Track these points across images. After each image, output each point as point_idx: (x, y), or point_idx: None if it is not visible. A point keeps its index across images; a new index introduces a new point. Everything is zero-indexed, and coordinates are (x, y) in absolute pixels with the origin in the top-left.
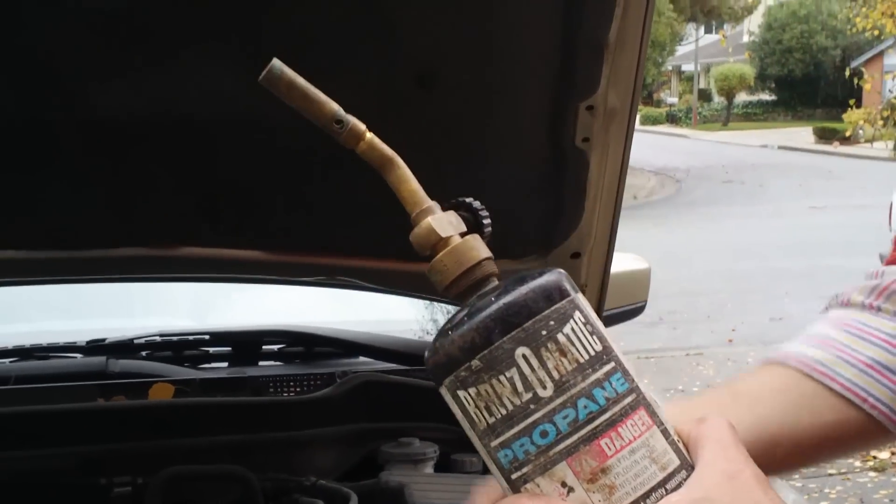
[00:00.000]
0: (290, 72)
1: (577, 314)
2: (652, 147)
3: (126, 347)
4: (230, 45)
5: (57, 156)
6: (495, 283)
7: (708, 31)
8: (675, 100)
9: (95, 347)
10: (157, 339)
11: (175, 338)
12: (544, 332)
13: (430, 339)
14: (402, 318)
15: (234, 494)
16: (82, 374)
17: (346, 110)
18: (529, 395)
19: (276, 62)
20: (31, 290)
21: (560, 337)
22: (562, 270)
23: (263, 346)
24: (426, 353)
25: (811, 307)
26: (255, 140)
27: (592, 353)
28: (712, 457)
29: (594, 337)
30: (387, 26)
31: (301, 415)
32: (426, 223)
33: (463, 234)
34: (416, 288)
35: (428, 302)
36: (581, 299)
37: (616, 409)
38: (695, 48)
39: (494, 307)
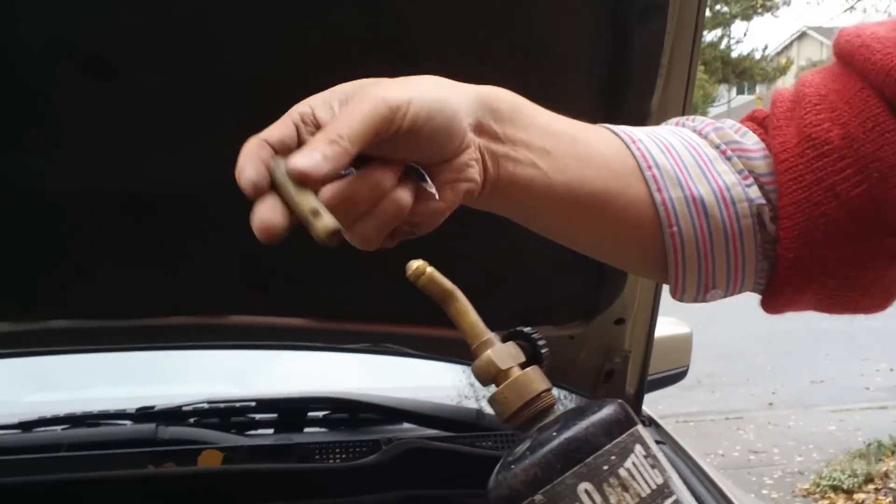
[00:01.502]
0: None
1: (637, 447)
2: None
3: (175, 415)
4: (272, 117)
5: (106, 228)
6: (555, 414)
7: (740, 91)
8: None
9: (145, 415)
10: (205, 406)
11: (222, 405)
12: (606, 468)
13: (473, 404)
14: (445, 383)
15: None
16: (132, 441)
17: None
18: None
19: None
20: (81, 358)
21: (622, 472)
22: (622, 402)
23: (309, 413)
24: (490, 484)
25: (851, 369)
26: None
27: (654, 486)
28: None
29: (655, 470)
30: None
31: (347, 481)
32: (486, 356)
33: (522, 365)
34: (457, 354)
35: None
36: (641, 431)
37: None
38: (727, 109)
39: (556, 442)
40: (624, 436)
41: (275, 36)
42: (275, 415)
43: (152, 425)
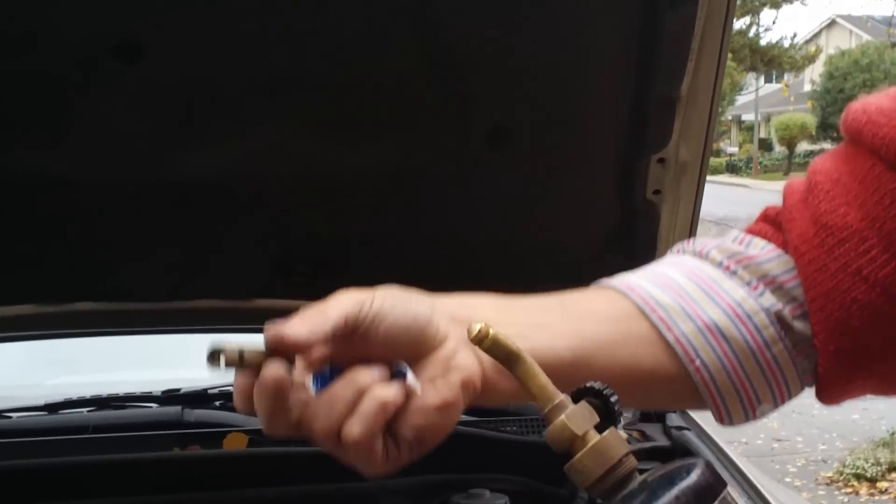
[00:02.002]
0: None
1: None
2: (712, 197)
3: (200, 398)
4: (303, 109)
5: (137, 214)
6: (637, 479)
7: (768, 80)
8: (735, 149)
9: (170, 397)
10: (231, 389)
11: None
12: None
13: None
14: None
15: None
16: (158, 423)
17: (420, 165)
18: None
19: None
20: (107, 342)
21: None
22: (708, 462)
23: None
24: None
25: None
26: (327, 197)
27: None
28: None
29: None
30: (461, 83)
31: None
32: (560, 421)
33: (597, 426)
34: None
35: None
36: (730, 494)
37: None
38: (755, 98)
39: None
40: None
41: (308, 35)
42: None
43: (178, 408)
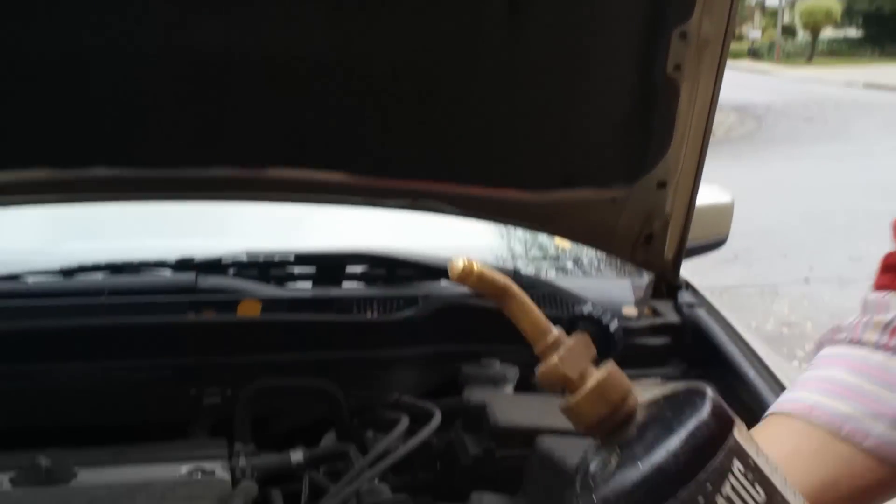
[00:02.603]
0: None
1: (735, 464)
2: (732, 83)
3: (214, 265)
4: None
5: (150, 80)
6: (638, 422)
7: None
8: (757, 34)
9: (184, 265)
10: (244, 258)
11: (261, 258)
12: (701, 500)
13: (511, 264)
14: (484, 244)
15: (320, 409)
16: (173, 288)
17: (439, 36)
18: None
19: None
20: (121, 208)
21: (719, 501)
22: (713, 398)
23: (347, 269)
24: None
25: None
26: (343, 70)
27: None
28: None
29: (756, 486)
30: None
31: (384, 335)
32: (553, 364)
33: (595, 360)
34: (497, 213)
35: (509, 228)
36: (738, 437)
37: None
38: None
39: (642, 474)
40: (720, 456)
41: None
42: (313, 269)
43: (192, 274)
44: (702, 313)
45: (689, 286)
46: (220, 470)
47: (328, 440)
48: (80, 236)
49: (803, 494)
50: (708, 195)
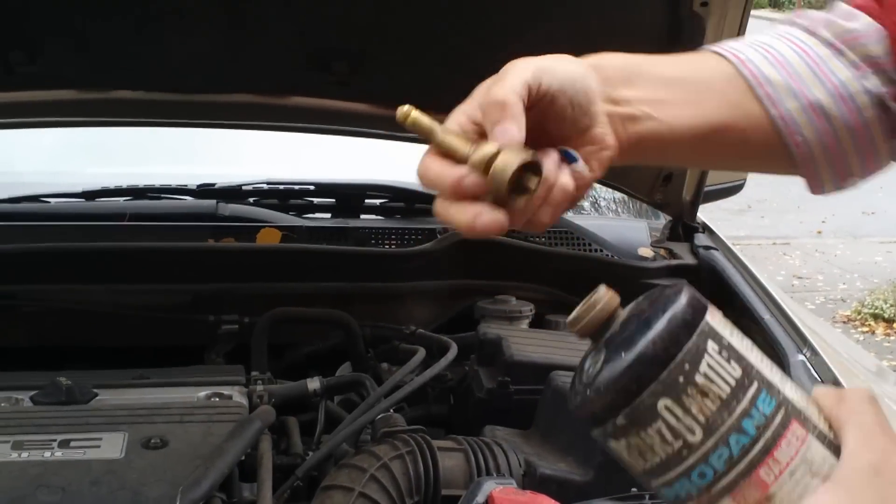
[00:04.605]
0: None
1: (709, 345)
2: (752, 32)
3: (235, 193)
4: None
5: (178, 3)
6: (621, 317)
7: None
8: None
9: (206, 191)
10: (265, 186)
11: (282, 186)
12: (682, 379)
13: None
14: None
15: (336, 339)
16: (194, 215)
17: None
18: (680, 443)
19: None
20: (144, 133)
21: (698, 378)
22: (687, 288)
23: (366, 200)
24: (571, 402)
25: None
26: None
27: (733, 382)
28: (856, 447)
29: (732, 363)
30: None
31: (401, 267)
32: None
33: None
34: None
35: None
36: (711, 320)
37: (768, 434)
38: None
39: (626, 363)
40: (694, 338)
41: None
42: (332, 200)
43: (213, 201)
44: (718, 256)
45: (706, 228)
46: (237, 395)
47: (344, 370)
48: (103, 160)
49: (699, 124)
50: None
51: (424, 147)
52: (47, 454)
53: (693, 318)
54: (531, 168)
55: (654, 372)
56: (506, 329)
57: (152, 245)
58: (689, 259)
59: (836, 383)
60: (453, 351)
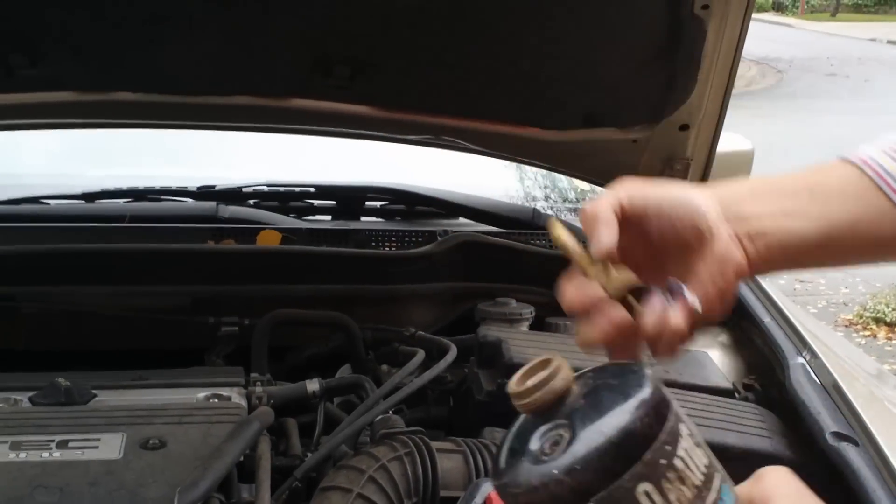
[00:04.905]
0: None
1: (682, 428)
2: (754, 35)
3: (235, 195)
4: None
5: (179, 5)
6: (576, 391)
7: None
8: None
9: (206, 193)
10: (265, 188)
11: (282, 188)
12: (663, 462)
13: (530, 203)
14: (503, 182)
15: (336, 341)
16: (194, 217)
17: None
18: None
19: None
20: (144, 135)
21: (677, 462)
22: (648, 366)
23: (366, 202)
24: (508, 479)
25: None
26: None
27: (705, 470)
28: None
29: (700, 450)
30: None
31: (402, 269)
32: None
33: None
34: (518, 152)
35: (528, 166)
36: (674, 401)
37: None
38: None
39: (610, 438)
40: (671, 417)
41: None
42: (333, 202)
43: (213, 203)
44: None
45: None
46: (236, 397)
47: (344, 372)
48: (103, 162)
49: (828, 227)
50: (729, 142)
51: (422, 150)
52: (45, 455)
53: (664, 398)
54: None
55: (639, 451)
56: (506, 331)
57: (152, 247)
58: None
59: (836, 386)
60: (453, 353)
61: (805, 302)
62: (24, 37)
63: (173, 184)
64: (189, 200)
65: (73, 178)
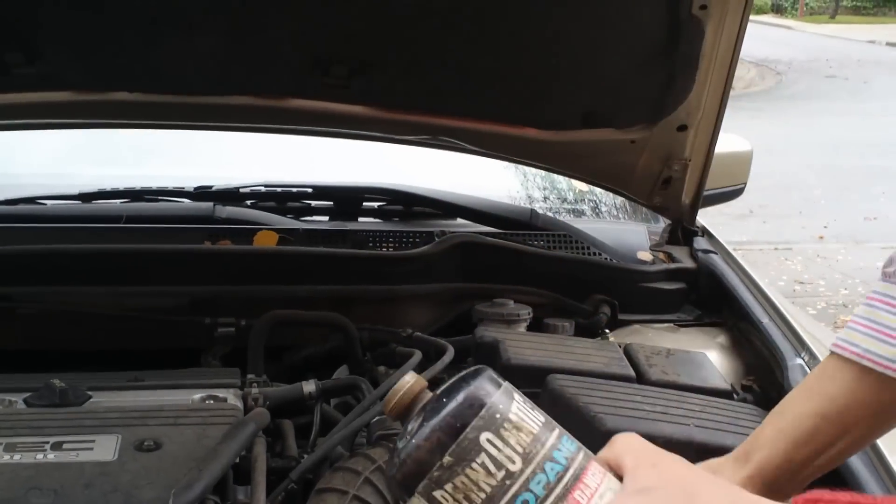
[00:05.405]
0: None
1: (515, 394)
2: (753, 37)
3: (232, 195)
4: None
5: (177, 5)
6: (428, 395)
7: None
8: None
9: (203, 193)
10: (262, 189)
11: (279, 189)
12: (499, 415)
13: (527, 204)
14: (500, 183)
15: (333, 342)
16: (190, 217)
17: None
18: (503, 473)
19: None
20: (141, 135)
21: (512, 416)
22: (485, 371)
23: (364, 203)
24: (389, 471)
25: None
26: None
27: (540, 423)
28: (633, 460)
29: (535, 411)
30: None
31: (399, 270)
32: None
33: None
34: (516, 152)
35: (525, 166)
36: (510, 386)
37: (575, 464)
38: None
39: (451, 407)
40: (504, 385)
41: None
42: (330, 202)
43: (210, 204)
44: (717, 259)
45: (705, 232)
46: (232, 398)
47: (341, 373)
48: (100, 162)
49: (860, 430)
50: (727, 143)
51: (420, 150)
52: (40, 456)
53: (496, 378)
54: None
55: (475, 409)
56: (503, 332)
57: (148, 247)
58: (688, 263)
59: None
60: (450, 354)
61: (804, 303)
62: (21, 34)
63: (170, 184)
64: (186, 201)
65: (70, 177)
